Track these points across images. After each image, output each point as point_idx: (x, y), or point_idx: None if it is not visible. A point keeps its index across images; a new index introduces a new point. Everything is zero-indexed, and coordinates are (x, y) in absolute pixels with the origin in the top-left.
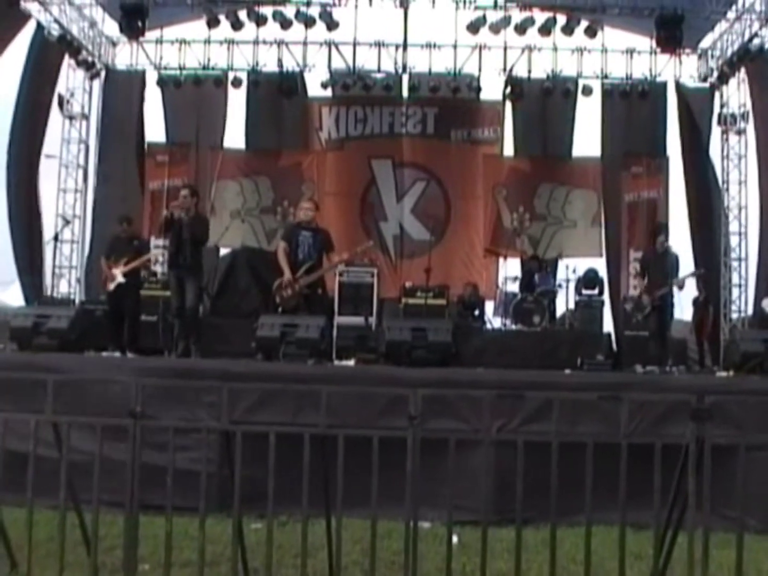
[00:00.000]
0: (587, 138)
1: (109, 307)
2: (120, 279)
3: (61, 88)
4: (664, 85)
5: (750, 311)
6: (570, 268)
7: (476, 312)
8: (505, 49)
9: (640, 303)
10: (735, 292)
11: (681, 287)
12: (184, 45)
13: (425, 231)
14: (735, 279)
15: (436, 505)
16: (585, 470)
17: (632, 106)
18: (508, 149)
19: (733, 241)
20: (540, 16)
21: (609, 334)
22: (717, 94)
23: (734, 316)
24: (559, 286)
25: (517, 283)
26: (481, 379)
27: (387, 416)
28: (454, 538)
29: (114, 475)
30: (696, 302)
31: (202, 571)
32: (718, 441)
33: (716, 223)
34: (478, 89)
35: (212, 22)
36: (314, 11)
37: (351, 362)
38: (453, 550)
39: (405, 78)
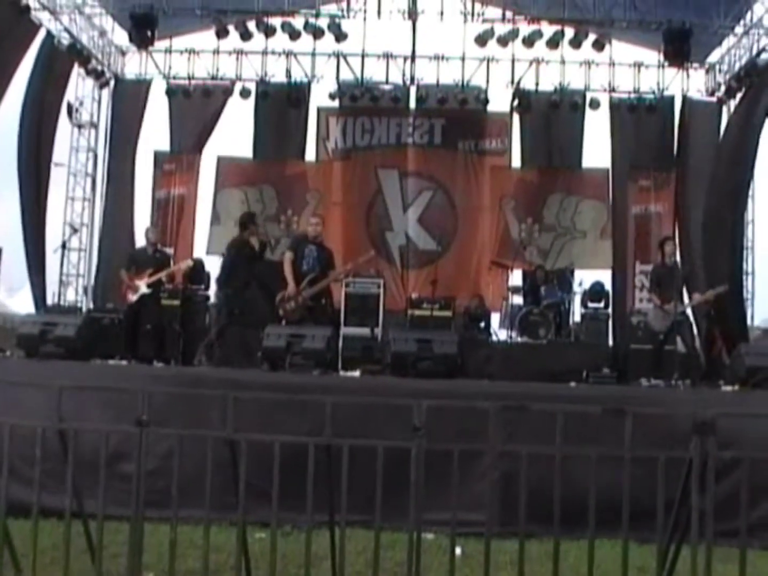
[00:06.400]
0: (596, 150)
1: (127, 316)
2: (144, 290)
3: (70, 96)
4: (671, 99)
5: (756, 325)
6: (576, 281)
7: (482, 324)
8: (513, 61)
9: (665, 314)
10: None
11: (705, 302)
12: (193, 55)
13: (432, 241)
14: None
15: (439, 516)
16: (589, 483)
17: (640, 119)
18: (516, 161)
19: None
20: (548, 29)
21: (616, 347)
22: (725, 109)
23: None
24: (564, 297)
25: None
26: (487, 391)
27: (392, 427)
28: (458, 550)
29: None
30: (708, 316)
31: None
32: (722, 455)
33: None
34: (486, 101)
35: (221, 33)
36: (323, 22)
37: (356, 373)
38: (456, 562)
39: (413, 90)
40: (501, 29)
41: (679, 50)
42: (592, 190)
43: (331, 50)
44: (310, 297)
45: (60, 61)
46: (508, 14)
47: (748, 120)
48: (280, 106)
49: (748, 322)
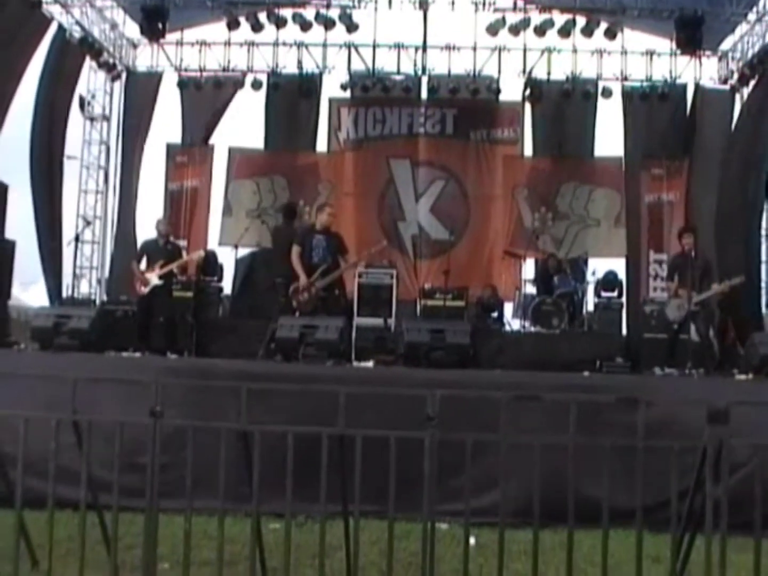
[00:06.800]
0: (609, 139)
1: (140, 309)
2: (155, 281)
3: (82, 89)
4: (684, 87)
5: None
6: (590, 270)
7: (495, 314)
8: (525, 50)
9: (681, 304)
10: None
11: (721, 293)
12: (204, 47)
13: (444, 230)
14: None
15: (453, 506)
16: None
17: (652, 108)
18: (528, 150)
19: None
20: (559, 18)
21: (629, 336)
22: (737, 96)
23: None
24: (577, 286)
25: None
26: (499, 381)
27: (405, 417)
28: (472, 540)
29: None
30: (721, 305)
31: (220, 571)
32: (735, 444)
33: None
34: (498, 91)
35: (232, 24)
36: (334, 13)
37: (370, 363)
38: (470, 552)
39: (424, 80)
40: (512, 18)
41: (692, 38)
42: (605, 179)
43: (342, 41)
44: (322, 288)
45: (72, 54)
46: (520, 3)
47: (762, 108)
48: (292, 97)
49: (763, 310)
